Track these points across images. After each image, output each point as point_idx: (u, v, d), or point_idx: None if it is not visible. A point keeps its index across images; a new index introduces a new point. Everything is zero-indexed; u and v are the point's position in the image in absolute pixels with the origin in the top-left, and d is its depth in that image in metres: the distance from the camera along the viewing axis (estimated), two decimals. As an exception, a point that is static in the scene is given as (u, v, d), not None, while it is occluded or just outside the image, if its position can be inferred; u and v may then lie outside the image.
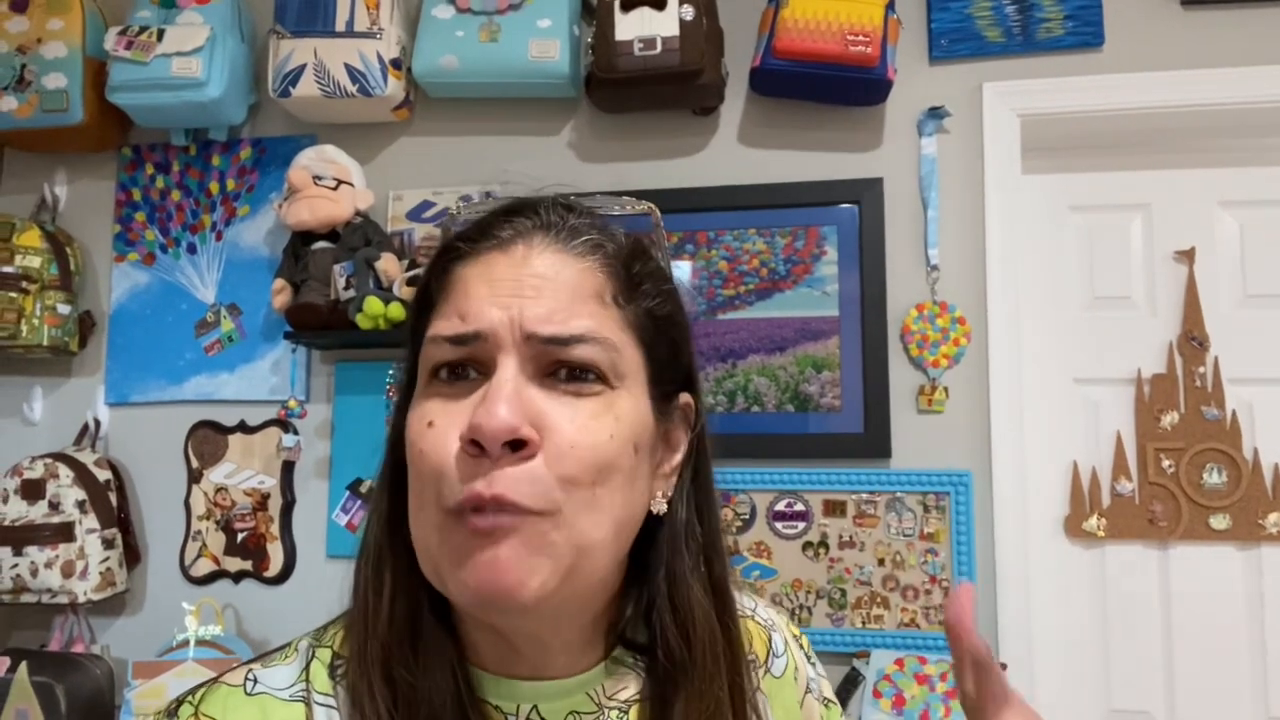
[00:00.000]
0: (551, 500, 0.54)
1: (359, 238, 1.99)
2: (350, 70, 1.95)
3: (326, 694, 0.60)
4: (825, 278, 1.95)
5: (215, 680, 0.61)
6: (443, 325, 0.58)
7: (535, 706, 0.61)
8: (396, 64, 1.99)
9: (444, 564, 0.55)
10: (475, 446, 0.53)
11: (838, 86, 1.86)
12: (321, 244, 2.00)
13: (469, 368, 0.57)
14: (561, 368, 0.57)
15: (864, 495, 1.89)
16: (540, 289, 0.57)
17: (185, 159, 2.20)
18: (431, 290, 0.61)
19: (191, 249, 2.18)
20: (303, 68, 1.96)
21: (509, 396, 0.54)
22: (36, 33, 2.06)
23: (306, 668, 0.61)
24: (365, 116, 2.07)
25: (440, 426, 0.56)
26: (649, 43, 1.81)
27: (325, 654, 0.62)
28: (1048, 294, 2.02)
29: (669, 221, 1.94)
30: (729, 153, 2.02)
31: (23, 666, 1.91)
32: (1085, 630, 1.96)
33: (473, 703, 0.59)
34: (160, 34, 1.99)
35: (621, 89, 1.89)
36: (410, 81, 2.05)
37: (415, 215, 2.09)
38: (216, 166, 2.19)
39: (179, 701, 0.59)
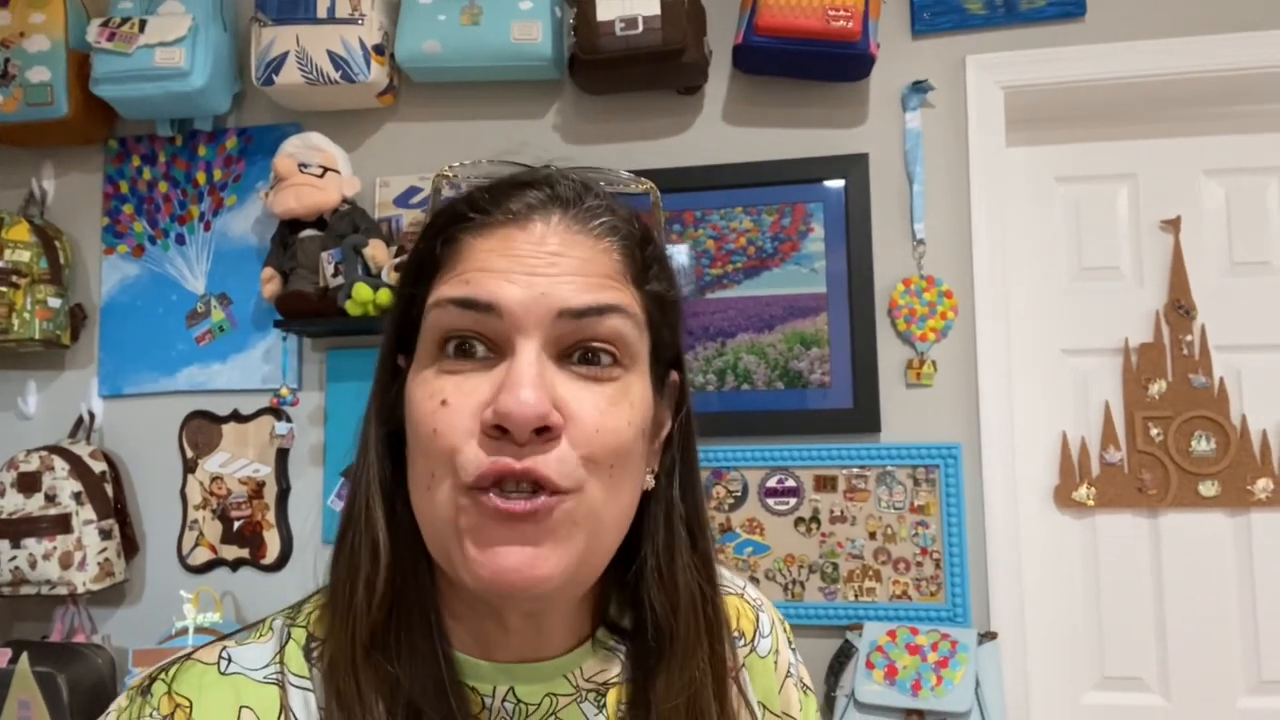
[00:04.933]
0: (576, 479, 0.54)
1: (346, 225, 1.99)
2: (333, 57, 1.95)
3: (302, 676, 0.59)
4: (812, 254, 1.95)
5: (188, 657, 0.60)
6: (451, 289, 0.56)
7: (512, 688, 0.61)
8: (379, 49, 1.99)
9: (462, 545, 0.54)
10: (499, 430, 0.53)
11: (820, 62, 1.86)
12: (309, 232, 2.01)
13: (477, 344, 0.56)
14: (579, 349, 0.56)
15: (854, 470, 1.89)
16: (562, 268, 0.56)
17: (171, 150, 2.20)
18: (437, 255, 0.59)
19: (180, 240, 2.19)
20: (285, 55, 1.96)
21: (534, 381, 0.53)
22: (19, 26, 2.06)
23: (282, 649, 0.60)
24: (349, 103, 2.07)
25: (454, 405, 0.54)
26: (630, 22, 1.80)
27: (300, 634, 0.61)
28: (1034, 265, 2.02)
29: (655, 202, 1.94)
30: (714, 132, 2.02)
31: (24, 657, 1.92)
32: (1077, 599, 1.97)
33: (454, 686, 0.58)
34: (142, 24, 1.98)
35: (604, 69, 1.89)
36: (393, 67, 2.05)
37: (402, 201, 2.09)
38: (203, 157, 2.19)
39: (151, 679, 0.59)
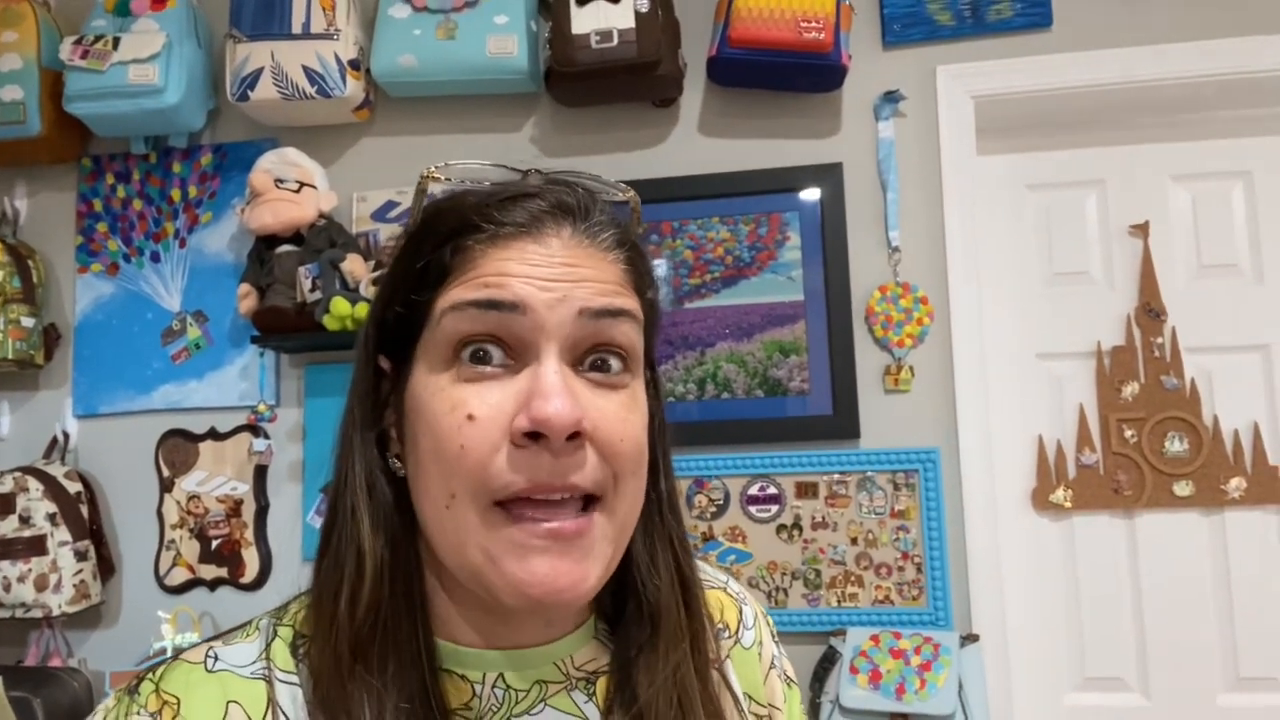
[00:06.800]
0: (603, 488, 0.57)
1: (323, 239, 2.00)
2: (308, 72, 1.96)
3: (289, 671, 0.60)
4: (789, 263, 1.98)
5: (175, 658, 0.61)
6: (470, 292, 0.57)
7: (502, 675, 0.62)
8: (355, 64, 2.00)
9: (499, 563, 0.55)
10: (530, 439, 0.54)
11: (793, 73, 1.89)
12: (286, 247, 2.01)
13: (493, 350, 0.56)
14: (592, 355, 0.58)
15: (835, 476, 1.92)
16: (580, 274, 0.58)
17: (146, 167, 2.20)
18: (446, 263, 0.59)
19: (155, 257, 2.18)
20: (260, 71, 1.97)
21: (563, 388, 0.54)
22: (-10, 45, 2.06)
23: (268, 645, 0.61)
24: (325, 118, 2.08)
25: (482, 419, 0.55)
26: (605, 35, 1.83)
27: (287, 632, 0.62)
28: (1007, 271, 2.06)
29: (632, 213, 1.95)
30: (690, 143, 2.05)
31: (-1, 683, 1.90)
32: (1057, 600, 1.99)
33: (434, 677, 0.59)
34: (116, 42, 1.99)
35: (580, 82, 1.91)
36: (369, 82, 2.07)
37: (379, 216, 2.10)
38: (177, 174, 2.19)
39: (139, 679, 0.60)
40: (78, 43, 1.98)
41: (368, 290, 1.96)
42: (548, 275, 0.57)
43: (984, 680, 1.75)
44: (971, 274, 1.92)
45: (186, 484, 2.11)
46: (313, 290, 1.96)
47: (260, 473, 2.09)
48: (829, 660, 1.83)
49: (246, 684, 0.59)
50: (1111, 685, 1.97)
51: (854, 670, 1.77)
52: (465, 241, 0.59)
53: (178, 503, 2.10)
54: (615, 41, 1.82)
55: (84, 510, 2.06)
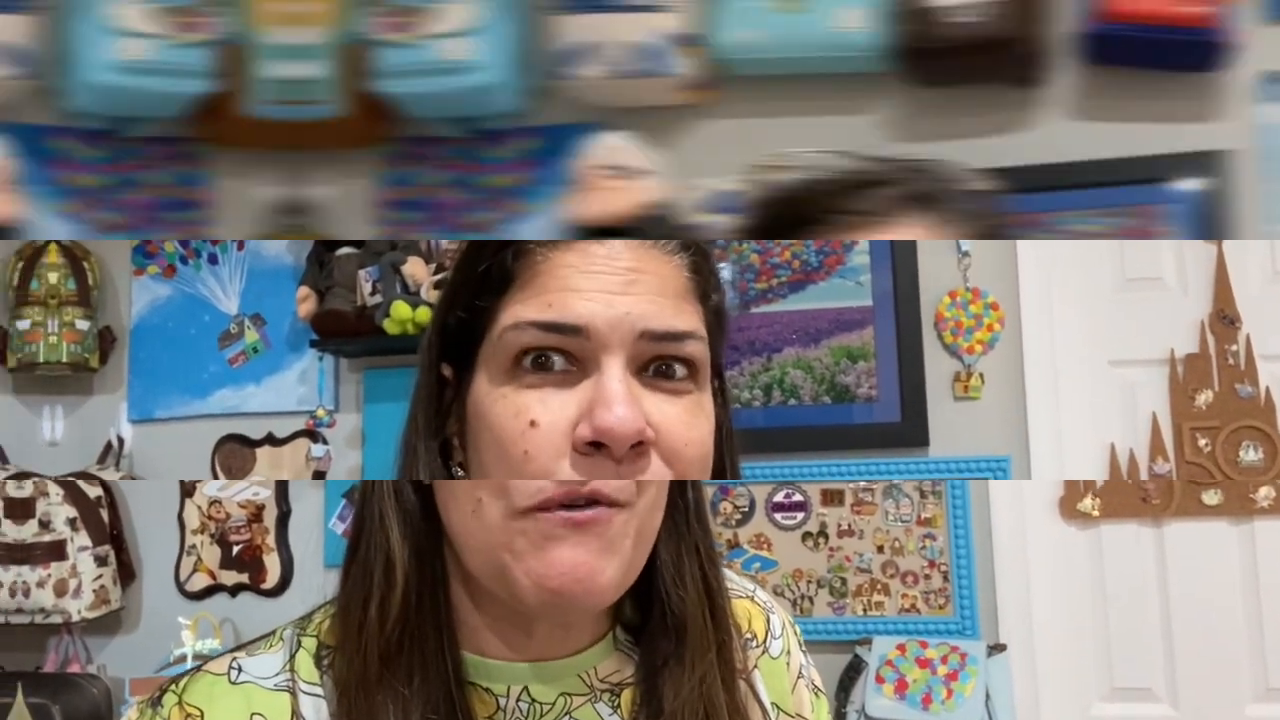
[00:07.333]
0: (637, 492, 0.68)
1: (384, 241, 2.01)
2: (637, 49, 1.99)
3: (313, 683, 0.66)
4: (858, 268, 2.20)
5: (198, 669, 0.71)
6: (531, 310, 0.58)
7: (526, 688, 0.68)
8: (689, 40, 2.09)
9: (520, 559, 0.57)
10: (592, 447, 0.58)
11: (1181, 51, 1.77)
12: (346, 250, 2.30)
13: (554, 357, 0.59)
14: (655, 363, 0.62)
15: (860, 484, 2.13)
16: (644, 285, 0.61)
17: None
18: (509, 267, 0.61)
19: (213, 259, 2.40)
20: (587, 47, 1.91)
21: (627, 397, 0.57)
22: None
23: (292, 657, 0.68)
24: (654, 99, 2.06)
25: (545, 426, 0.57)
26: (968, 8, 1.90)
27: (311, 643, 0.69)
28: (1079, 276, 2.52)
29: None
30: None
31: (18, 688, 1.86)
32: (1084, 610, 2.31)
33: (460, 690, 0.63)
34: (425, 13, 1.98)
35: (938, 60, 1.85)
36: (704, 60, 2.12)
37: (718, 206, 2.04)
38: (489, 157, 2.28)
39: (162, 690, 0.68)
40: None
41: (429, 294, 2.03)
42: (610, 286, 0.60)
43: (1011, 690, 2.19)
44: (1042, 279, 2.36)
45: (208, 489, 2.17)
46: (373, 294, 2.25)
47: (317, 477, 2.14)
48: (855, 669, 2.26)
49: (270, 696, 0.65)
50: (1140, 695, 2.37)
51: (880, 679, 2.09)
52: (526, 245, 0.65)
53: (199, 508, 2.18)
54: (974, 17, 1.79)
55: (104, 515, 2.35)
